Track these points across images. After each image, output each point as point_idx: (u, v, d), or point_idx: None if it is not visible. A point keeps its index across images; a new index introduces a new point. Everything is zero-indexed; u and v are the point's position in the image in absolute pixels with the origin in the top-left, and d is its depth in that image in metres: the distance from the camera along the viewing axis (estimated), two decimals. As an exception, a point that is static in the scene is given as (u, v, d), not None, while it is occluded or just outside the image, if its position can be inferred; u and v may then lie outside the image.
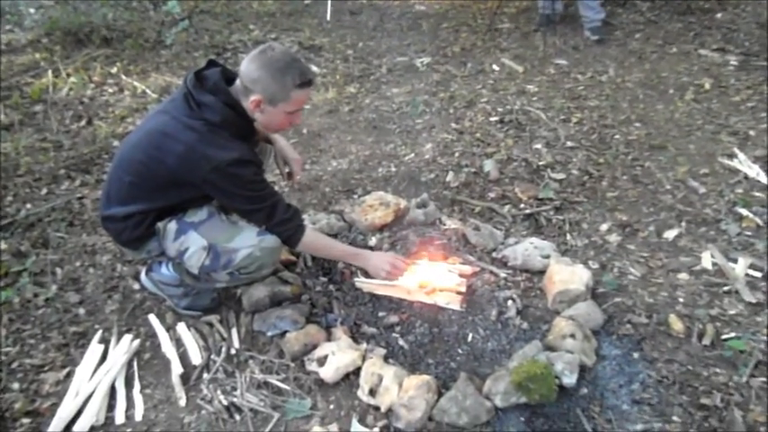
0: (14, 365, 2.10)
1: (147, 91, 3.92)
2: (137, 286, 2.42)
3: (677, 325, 2.18)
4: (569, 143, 3.35)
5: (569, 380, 1.95)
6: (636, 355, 2.11)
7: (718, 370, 2.02)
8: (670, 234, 2.65)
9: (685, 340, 2.13)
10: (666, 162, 3.14)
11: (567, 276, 2.31)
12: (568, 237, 2.68)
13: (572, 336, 2.07)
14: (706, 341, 2.12)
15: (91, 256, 2.59)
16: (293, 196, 2.97)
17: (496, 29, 4.94)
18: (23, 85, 3.99)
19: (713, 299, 2.31)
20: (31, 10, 5.15)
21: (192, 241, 2.00)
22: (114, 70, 4.17)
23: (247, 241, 2.01)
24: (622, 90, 3.92)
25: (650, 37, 4.69)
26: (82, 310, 2.33)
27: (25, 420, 1.90)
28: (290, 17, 5.29)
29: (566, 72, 4.21)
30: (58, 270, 2.51)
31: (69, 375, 2.05)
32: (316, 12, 5.37)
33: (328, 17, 5.18)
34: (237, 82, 1.96)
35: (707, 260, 2.49)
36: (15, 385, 2.02)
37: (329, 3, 5.21)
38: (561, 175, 3.08)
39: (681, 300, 2.30)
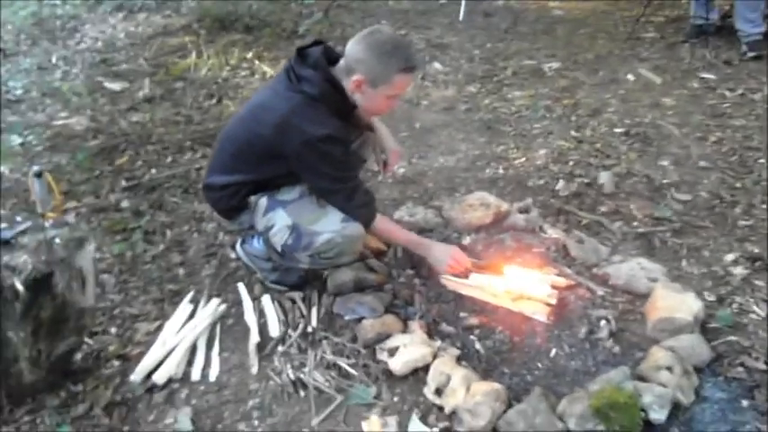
0: (116, 312, 2.27)
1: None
2: (233, 255, 2.53)
3: (802, 377, 1.88)
4: (702, 163, 3.03)
5: (658, 415, 1.75)
6: (745, 402, 1.84)
7: None
8: (810, 274, 2.31)
9: (810, 395, 1.84)
10: (819, 194, 2.74)
11: (674, 303, 2.08)
12: (684, 262, 2.42)
13: (669, 368, 1.86)
14: (836, 401, 1.81)
15: (198, 223, 2.75)
16: (395, 189, 2.96)
17: (638, 37, 4.61)
18: (170, 65, 4.35)
19: None
20: (189, -1, 5.63)
21: (278, 218, 2.04)
22: (250, 55, 4.43)
23: (330, 226, 2.02)
24: (777, 111, 3.49)
25: (821, 57, 4.14)
26: (181, 271, 2.48)
27: (116, 362, 2.05)
28: (423, 15, 5.31)
29: (711, 87, 3.83)
30: (168, 231, 2.69)
31: (160, 328, 2.18)
32: (449, 11, 5.34)
33: (461, 17, 5.12)
34: (342, 62, 1.97)
35: None
36: (113, 330, 2.19)
37: (463, 2, 5.15)
38: (686, 197, 2.79)
39: (811, 349, 1.99)
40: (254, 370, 2.01)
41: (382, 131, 2.42)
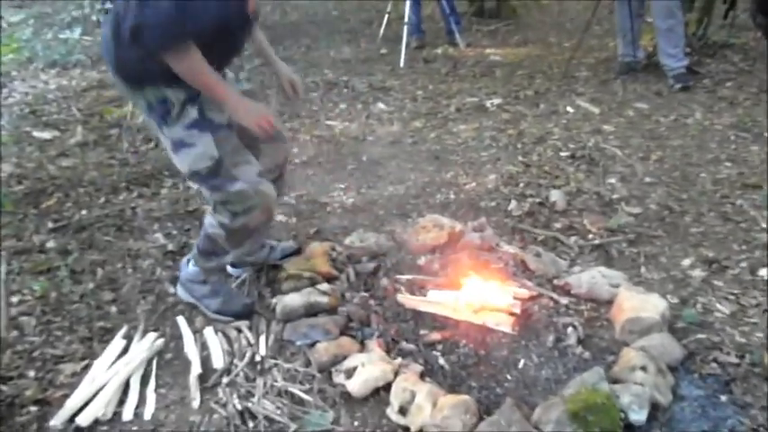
0: (35, 354, 2.01)
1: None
2: (172, 290, 2.33)
3: (776, 367, 1.82)
4: (648, 179, 3.06)
5: (638, 416, 1.64)
6: (723, 397, 1.76)
7: (830, 422, 1.63)
8: (766, 272, 2.29)
9: (787, 385, 1.77)
10: (762, 201, 2.78)
11: (639, 304, 2.01)
12: (643, 269, 2.37)
13: (643, 368, 1.76)
14: (814, 388, 1.74)
15: (133, 260, 2.54)
16: (344, 217, 2.85)
17: (573, 76, 4.77)
18: (106, 113, 4.18)
19: (822, 343, 1.92)
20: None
21: (203, 142, 1.86)
22: (189, 102, 4.31)
23: (248, 176, 1.91)
24: (710, 132, 3.61)
25: (743, 85, 4.36)
26: (114, 309, 2.25)
27: (33, 408, 1.80)
28: (364, 63, 5.37)
29: (646, 115, 3.95)
30: (99, 270, 2.47)
31: (87, 368, 1.94)
32: (390, 60, 5.42)
33: (401, 63, 5.20)
34: None
35: (813, 301, 2.11)
36: (31, 373, 1.93)
37: (403, 50, 5.25)
38: (637, 209, 2.79)
39: (781, 341, 1.94)
40: (196, 404, 1.79)
41: (280, 66, 2.22)
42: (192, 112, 1.84)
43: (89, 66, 5.43)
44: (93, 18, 6.82)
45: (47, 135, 3.87)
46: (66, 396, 1.82)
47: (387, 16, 5.93)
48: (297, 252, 2.47)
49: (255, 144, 2.05)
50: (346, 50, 5.80)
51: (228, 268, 2.35)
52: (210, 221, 2.04)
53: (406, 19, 5.37)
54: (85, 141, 3.70)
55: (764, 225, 2.60)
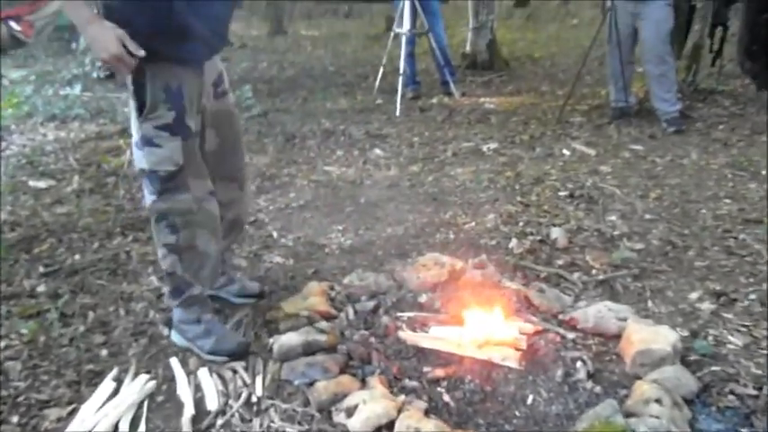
0: (20, 399, 1.92)
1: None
2: (166, 332, 2.25)
3: (797, 398, 1.74)
4: (648, 216, 3.04)
5: (656, 451, 1.55)
6: (744, 431, 1.67)
7: None
8: (777, 304, 2.24)
9: (810, 417, 1.68)
10: (765, 235, 2.75)
11: (650, 336, 1.94)
12: (650, 303, 2.32)
13: (657, 401, 1.68)
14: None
15: (126, 302, 2.46)
16: (342, 258, 2.79)
17: (567, 121, 4.83)
18: (103, 162, 4.18)
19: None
20: (125, 108, 5.58)
21: (171, 148, 1.85)
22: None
23: (199, 191, 1.95)
24: (707, 171, 3.62)
25: (735, 128, 4.42)
26: (104, 351, 2.16)
27: (15, 455, 1.69)
28: (360, 113, 5.43)
29: (642, 156, 3.97)
30: (90, 313, 2.39)
31: (74, 413, 1.84)
32: (386, 109, 5.49)
33: (397, 112, 5.26)
34: None
35: (827, 331, 2.05)
36: (14, 419, 1.83)
37: (399, 99, 5.33)
38: (640, 245, 2.75)
39: (798, 372, 1.86)
40: (188, 447, 1.69)
41: None
42: (168, 116, 1.82)
43: (88, 119, 5.47)
44: (94, 75, 6.96)
45: (42, 184, 3.85)
46: (51, 442, 1.73)
47: (382, 69, 6.05)
48: (258, 296, 2.41)
49: (210, 173, 2.05)
50: (343, 102, 5.88)
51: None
52: (161, 256, 2.03)
53: (401, 70, 5.47)
54: (81, 189, 3.68)
55: (770, 258, 2.56)
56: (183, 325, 2.11)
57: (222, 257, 2.27)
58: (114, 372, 2.01)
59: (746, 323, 2.14)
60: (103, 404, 1.84)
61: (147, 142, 1.86)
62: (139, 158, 1.91)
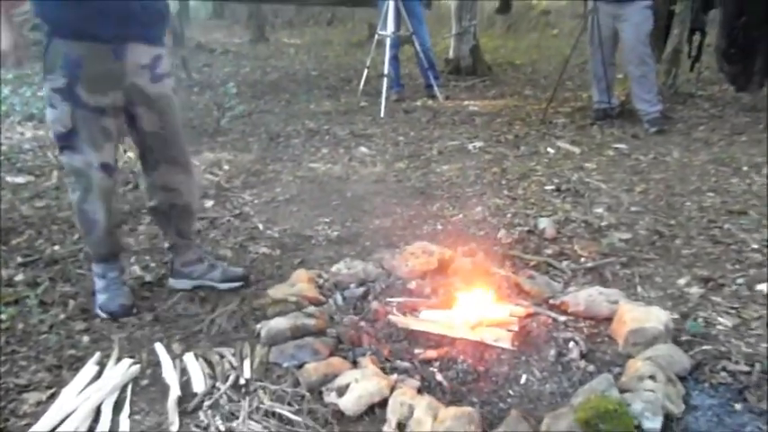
0: (-3, 384, 1.85)
1: (196, 163, 3.95)
2: (149, 317, 2.20)
3: (788, 374, 1.74)
4: (634, 208, 3.06)
5: (652, 424, 1.54)
6: (738, 405, 1.67)
7: None
8: (765, 287, 2.25)
9: (802, 391, 1.68)
10: (750, 224, 2.79)
11: (642, 315, 1.94)
12: (639, 288, 2.32)
13: (651, 377, 1.67)
14: (830, 393, 1.66)
15: (108, 291, 2.40)
16: (330, 249, 2.76)
17: (551, 122, 4.87)
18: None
19: (831, 351, 1.86)
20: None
21: (62, 110, 1.99)
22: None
23: (89, 158, 2.05)
24: (690, 167, 3.67)
25: (716, 128, 4.50)
26: (86, 338, 2.10)
27: (-8, 439, 1.62)
28: (345, 114, 5.42)
29: (626, 154, 4.01)
30: (71, 301, 2.32)
31: (54, 396, 1.78)
32: (370, 111, 5.49)
33: (382, 114, 5.26)
34: None
35: (815, 312, 2.06)
36: (-9, 403, 1.76)
37: (383, 101, 5.33)
38: (627, 235, 2.76)
39: (789, 351, 1.87)
40: (175, 428, 1.64)
41: None
42: (60, 80, 1.96)
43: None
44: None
45: (20, 180, 3.76)
46: (30, 425, 1.66)
47: (366, 72, 6.05)
48: (242, 280, 2.42)
49: (153, 157, 2.20)
50: (326, 104, 5.88)
51: (171, 281, 2.42)
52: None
53: (386, 72, 5.48)
54: (61, 185, 3.59)
55: (756, 246, 2.58)
56: (95, 277, 2.26)
57: (194, 243, 2.45)
58: (96, 356, 1.95)
59: (735, 306, 2.15)
60: (85, 387, 1.78)
61: (48, 101, 2.03)
62: (47, 116, 2.08)
